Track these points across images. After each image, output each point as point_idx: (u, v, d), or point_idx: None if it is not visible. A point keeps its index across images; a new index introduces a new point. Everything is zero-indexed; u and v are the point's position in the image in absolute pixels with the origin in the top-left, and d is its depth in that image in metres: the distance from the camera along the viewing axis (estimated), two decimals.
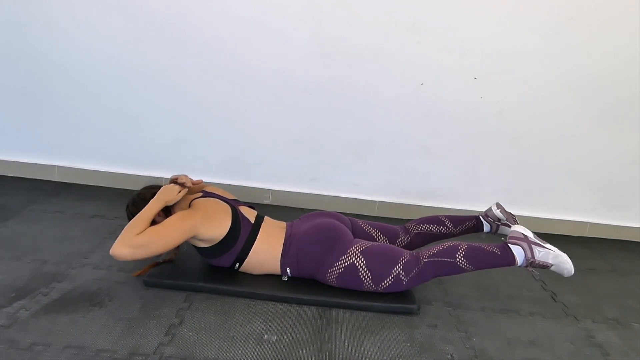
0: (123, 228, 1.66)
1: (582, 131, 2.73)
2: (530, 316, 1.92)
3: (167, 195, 1.81)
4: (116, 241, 1.63)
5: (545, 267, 1.82)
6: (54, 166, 2.86)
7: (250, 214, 1.97)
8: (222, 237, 1.82)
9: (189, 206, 1.86)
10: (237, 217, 1.87)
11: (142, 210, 1.73)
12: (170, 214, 1.83)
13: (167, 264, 1.97)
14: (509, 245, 1.84)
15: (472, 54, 2.60)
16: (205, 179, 2.69)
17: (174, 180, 1.93)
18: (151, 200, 1.77)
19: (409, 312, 1.83)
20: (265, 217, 2.03)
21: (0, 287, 1.75)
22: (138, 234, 1.65)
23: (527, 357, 1.66)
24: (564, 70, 2.62)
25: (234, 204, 1.93)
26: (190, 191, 2.00)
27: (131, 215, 1.88)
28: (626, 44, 2.56)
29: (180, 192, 1.85)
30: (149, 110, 2.75)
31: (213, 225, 1.80)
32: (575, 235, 2.88)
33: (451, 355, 1.62)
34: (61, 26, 2.61)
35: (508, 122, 2.72)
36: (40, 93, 2.74)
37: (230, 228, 1.83)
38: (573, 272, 1.83)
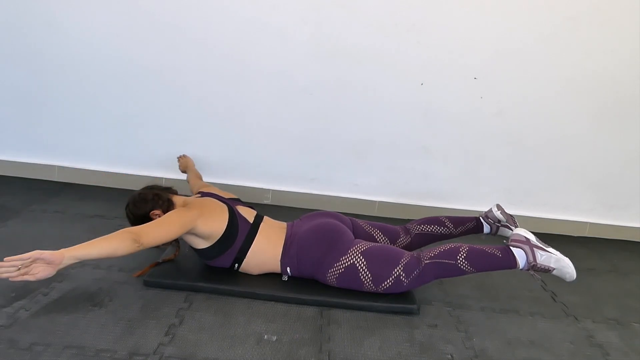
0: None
1: (582, 131, 2.73)
2: (530, 316, 1.92)
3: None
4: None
5: (546, 271, 1.80)
6: (54, 166, 2.86)
7: (249, 214, 1.97)
8: (220, 235, 1.82)
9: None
10: (233, 215, 1.87)
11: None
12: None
13: (167, 264, 1.97)
14: (511, 248, 1.82)
15: (472, 54, 2.60)
16: (206, 179, 2.70)
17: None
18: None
19: (409, 312, 1.82)
20: (265, 217, 2.02)
21: (0, 287, 1.74)
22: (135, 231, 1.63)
23: (527, 357, 1.66)
24: (563, 70, 2.62)
25: (230, 203, 1.94)
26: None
27: (131, 214, 1.89)
28: (626, 44, 2.56)
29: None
30: (149, 110, 2.75)
31: (210, 220, 1.80)
32: (575, 236, 2.88)
33: (451, 355, 1.62)
34: (61, 26, 2.61)
35: (508, 122, 2.72)
36: (40, 93, 2.74)
37: (227, 226, 1.83)
38: (575, 276, 1.81)
